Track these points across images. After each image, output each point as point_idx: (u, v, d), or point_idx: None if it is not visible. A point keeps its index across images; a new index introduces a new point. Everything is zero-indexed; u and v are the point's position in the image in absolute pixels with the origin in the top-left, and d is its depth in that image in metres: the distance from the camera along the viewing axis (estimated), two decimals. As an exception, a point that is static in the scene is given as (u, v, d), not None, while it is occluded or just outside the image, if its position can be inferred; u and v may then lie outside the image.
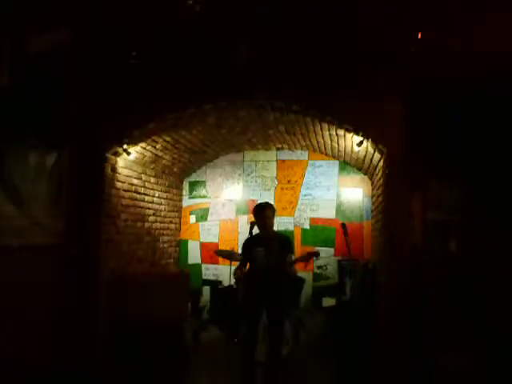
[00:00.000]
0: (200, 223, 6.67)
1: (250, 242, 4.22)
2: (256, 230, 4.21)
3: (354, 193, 6.18)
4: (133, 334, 4.40)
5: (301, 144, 6.05)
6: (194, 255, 6.64)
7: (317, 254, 4.38)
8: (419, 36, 3.37)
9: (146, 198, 5.46)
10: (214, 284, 6.26)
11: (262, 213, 4.16)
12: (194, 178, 6.77)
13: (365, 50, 3.74)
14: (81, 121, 4.35)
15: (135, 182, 5.12)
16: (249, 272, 4.15)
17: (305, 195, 6.35)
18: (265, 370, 3.95)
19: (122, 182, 4.77)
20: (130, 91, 4.30)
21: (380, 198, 4.56)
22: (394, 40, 3.52)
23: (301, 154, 6.40)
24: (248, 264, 4.17)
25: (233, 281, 5.24)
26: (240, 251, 4.32)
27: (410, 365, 3.64)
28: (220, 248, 6.42)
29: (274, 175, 6.48)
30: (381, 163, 4.34)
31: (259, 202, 4.52)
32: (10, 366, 3.51)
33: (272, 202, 6.37)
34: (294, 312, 5.24)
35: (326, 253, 6.17)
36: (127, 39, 3.70)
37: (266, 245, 4.07)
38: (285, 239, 4.28)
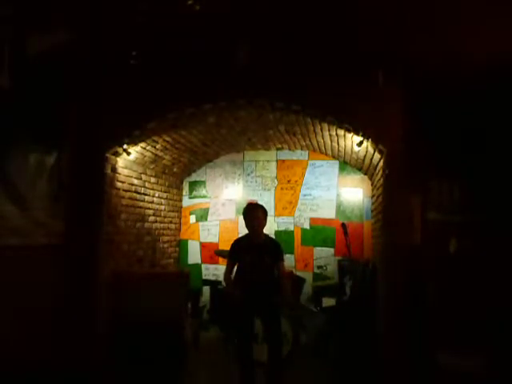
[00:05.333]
0: (200, 223, 6.67)
1: (238, 246, 4.08)
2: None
3: (354, 193, 6.18)
4: (133, 334, 4.40)
5: (301, 144, 6.05)
6: (194, 255, 6.64)
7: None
8: (419, 36, 3.37)
9: (146, 197, 5.46)
10: (214, 284, 6.25)
11: (252, 213, 4.00)
12: (193, 178, 6.77)
13: (365, 50, 3.74)
14: (81, 121, 4.35)
15: (135, 181, 5.12)
16: (236, 277, 4.04)
17: (305, 195, 6.35)
18: (266, 370, 3.94)
19: (122, 182, 4.77)
20: (130, 91, 4.30)
21: (380, 198, 4.56)
22: (394, 40, 3.52)
23: (301, 154, 6.40)
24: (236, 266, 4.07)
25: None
26: (229, 253, 4.18)
27: (410, 365, 3.64)
28: (220, 248, 6.43)
29: (274, 175, 6.49)
30: (381, 163, 4.34)
31: (256, 202, 4.45)
32: (10, 366, 3.52)
33: (272, 202, 6.47)
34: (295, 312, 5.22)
35: (326, 253, 6.18)
36: (127, 39, 3.69)
37: (256, 254, 3.92)
38: (275, 247, 4.07)
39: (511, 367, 3.40)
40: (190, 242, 6.68)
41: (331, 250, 6.17)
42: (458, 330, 3.61)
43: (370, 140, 4.07)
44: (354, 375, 4.33)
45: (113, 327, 4.39)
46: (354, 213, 6.15)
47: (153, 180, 5.64)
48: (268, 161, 6.52)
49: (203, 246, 6.62)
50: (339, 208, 6.22)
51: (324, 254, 6.18)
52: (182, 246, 6.66)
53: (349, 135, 4.47)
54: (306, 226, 6.31)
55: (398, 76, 3.87)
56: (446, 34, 3.32)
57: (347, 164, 6.17)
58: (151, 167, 5.52)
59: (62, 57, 3.87)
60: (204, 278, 6.52)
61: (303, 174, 6.38)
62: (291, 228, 6.34)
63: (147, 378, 4.33)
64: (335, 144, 5.31)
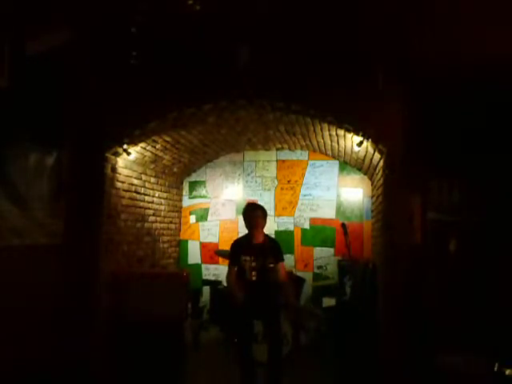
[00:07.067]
0: (200, 223, 6.67)
1: (238, 247, 4.09)
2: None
3: (354, 193, 6.18)
4: (133, 334, 4.40)
5: (301, 144, 6.05)
6: (194, 255, 6.64)
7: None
8: (420, 36, 3.37)
9: (146, 198, 5.46)
10: (214, 284, 6.26)
11: (252, 213, 4.02)
12: (193, 178, 6.77)
13: (365, 50, 3.74)
14: (81, 121, 4.35)
15: (135, 182, 5.12)
16: (238, 279, 4.02)
17: (305, 195, 6.35)
18: (266, 370, 3.94)
19: (122, 182, 4.77)
20: (130, 91, 4.30)
21: (380, 198, 4.56)
22: (394, 40, 3.52)
23: (301, 154, 6.40)
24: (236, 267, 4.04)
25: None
26: (230, 254, 4.18)
27: (410, 365, 3.64)
28: (220, 248, 6.43)
29: (274, 175, 6.49)
30: (381, 163, 4.34)
31: (255, 202, 4.47)
32: (10, 366, 3.51)
33: (272, 202, 6.47)
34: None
35: (326, 253, 6.17)
36: (127, 39, 3.69)
37: (256, 254, 3.92)
38: (275, 247, 4.06)
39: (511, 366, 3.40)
40: (190, 241, 6.68)
41: (331, 250, 6.17)
42: (457, 330, 3.61)
43: (370, 140, 4.07)
44: (353, 375, 4.32)
45: (113, 327, 4.39)
46: (354, 213, 6.15)
47: (153, 180, 5.64)
48: (268, 161, 6.52)
49: (203, 245, 6.62)
50: (339, 208, 6.22)
51: (324, 254, 6.18)
52: (182, 246, 6.66)
53: (349, 135, 4.47)
54: (306, 226, 6.31)
55: (398, 76, 3.86)
56: (446, 34, 3.32)
57: (347, 164, 6.17)
58: (151, 167, 5.52)
59: (62, 57, 3.87)
60: (204, 278, 6.52)
61: (303, 174, 6.38)
62: (291, 228, 6.34)
63: (147, 378, 4.33)
64: (335, 144, 5.31)
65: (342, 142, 5.02)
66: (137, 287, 4.58)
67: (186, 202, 6.75)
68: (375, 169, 4.92)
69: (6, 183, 3.62)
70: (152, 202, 5.64)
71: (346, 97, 4.00)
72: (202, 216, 6.68)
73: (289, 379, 4.17)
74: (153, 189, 5.65)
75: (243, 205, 6.36)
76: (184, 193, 6.76)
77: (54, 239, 4.10)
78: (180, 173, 6.43)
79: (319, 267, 6.18)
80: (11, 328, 3.54)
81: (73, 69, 4.14)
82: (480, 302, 3.59)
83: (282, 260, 4.05)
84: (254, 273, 3.94)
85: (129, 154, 4.57)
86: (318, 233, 6.25)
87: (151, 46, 3.82)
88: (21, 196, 3.76)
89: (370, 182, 5.95)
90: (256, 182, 6.54)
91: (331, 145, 5.47)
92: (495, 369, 3.00)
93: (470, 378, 3.39)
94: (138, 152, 4.86)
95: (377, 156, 4.42)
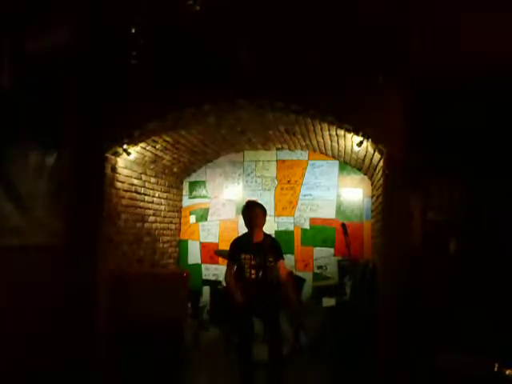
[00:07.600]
0: (200, 223, 6.67)
1: (237, 245, 4.10)
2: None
3: (354, 193, 6.18)
4: (133, 334, 4.40)
5: (301, 144, 6.05)
6: (194, 255, 6.64)
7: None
8: (420, 36, 3.37)
9: (146, 198, 5.46)
10: (214, 284, 6.26)
11: (251, 211, 4.03)
12: (194, 178, 6.77)
13: (365, 50, 3.74)
14: (81, 121, 4.35)
15: (135, 182, 5.12)
16: (237, 277, 4.04)
17: (305, 195, 6.35)
18: (267, 370, 3.94)
19: (122, 182, 4.77)
20: (130, 91, 4.30)
21: (380, 199, 4.56)
22: (395, 39, 3.52)
23: (301, 154, 6.40)
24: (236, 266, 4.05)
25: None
26: (229, 253, 4.20)
27: (410, 365, 3.64)
28: (220, 248, 6.43)
29: (274, 175, 6.49)
30: (381, 163, 4.34)
31: (254, 200, 4.48)
32: (10, 366, 3.51)
33: (272, 202, 6.47)
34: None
35: (326, 253, 6.17)
36: (127, 39, 3.70)
37: (255, 253, 3.93)
38: (275, 245, 4.08)
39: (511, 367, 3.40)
40: (189, 242, 6.68)
41: (331, 250, 6.17)
42: (457, 330, 3.61)
43: (369, 140, 4.07)
44: (353, 375, 4.32)
45: (113, 327, 4.39)
46: (354, 213, 6.15)
47: (153, 180, 5.64)
48: (268, 161, 6.53)
49: (203, 246, 6.62)
50: (339, 208, 6.22)
51: (324, 254, 6.18)
52: (182, 246, 6.66)
53: (349, 135, 4.47)
54: (306, 226, 6.31)
55: (398, 76, 3.86)
56: (446, 34, 3.33)
57: (347, 164, 6.17)
58: (151, 167, 5.52)
59: (62, 57, 3.88)
60: (204, 278, 6.52)
61: (303, 174, 6.38)
62: (291, 228, 6.34)
63: (147, 378, 4.33)
64: (335, 144, 5.31)
65: (342, 141, 5.02)
66: (137, 287, 4.58)
67: (186, 201, 6.75)
68: (375, 169, 4.92)
69: (6, 183, 3.62)
70: (152, 202, 5.64)
71: (346, 97, 4.00)
72: (202, 216, 6.68)
73: (289, 379, 4.17)
74: (153, 189, 5.65)
75: (243, 205, 6.41)
76: (184, 193, 6.76)
77: (54, 239, 4.10)
78: (180, 173, 6.43)
79: (319, 267, 6.18)
80: (11, 328, 3.54)
81: (73, 69, 4.14)
82: (480, 301, 3.59)
83: (282, 258, 4.05)
84: (253, 271, 3.94)
85: (129, 154, 4.57)
86: (318, 233, 6.25)
87: (151, 46, 3.83)
88: (21, 196, 3.76)
89: (369, 182, 5.94)
90: (256, 182, 6.54)
91: (331, 145, 5.47)
92: (495, 369, 2.99)
93: (469, 379, 3.39)
94: (138, 152, 4.86)
95: (377, 156, 4.42)
